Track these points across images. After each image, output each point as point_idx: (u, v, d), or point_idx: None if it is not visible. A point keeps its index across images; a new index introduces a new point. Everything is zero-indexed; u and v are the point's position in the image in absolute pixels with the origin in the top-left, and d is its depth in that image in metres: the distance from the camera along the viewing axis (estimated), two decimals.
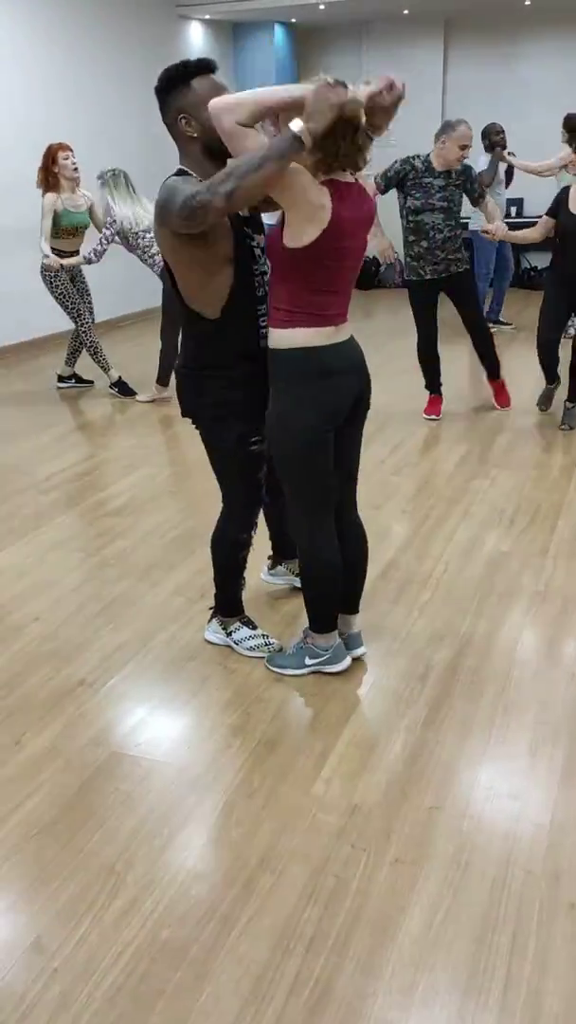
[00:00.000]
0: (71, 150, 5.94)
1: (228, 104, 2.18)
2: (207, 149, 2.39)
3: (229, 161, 2.27)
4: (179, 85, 2.38)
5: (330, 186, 2.28)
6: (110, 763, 2.50)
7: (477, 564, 3.62)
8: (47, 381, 6.82)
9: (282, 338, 2.43)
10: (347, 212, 2.32)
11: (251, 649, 2.98)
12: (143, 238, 5.85)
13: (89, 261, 5.91)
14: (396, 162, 5.05)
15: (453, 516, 4.09)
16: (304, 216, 2.28)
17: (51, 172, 5.90)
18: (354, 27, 10.57)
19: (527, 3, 9.19)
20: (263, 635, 3.00)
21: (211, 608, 3.09)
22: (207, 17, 9.73)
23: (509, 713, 2.65)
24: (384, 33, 10.54)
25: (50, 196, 5.92)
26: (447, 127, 4.92)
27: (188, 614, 3.29)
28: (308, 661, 2.85)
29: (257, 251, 2.53)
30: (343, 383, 2.52)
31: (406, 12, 9.83)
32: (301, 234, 2.30)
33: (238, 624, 3.02)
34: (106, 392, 6.39)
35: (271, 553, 3.43)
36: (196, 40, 9.79)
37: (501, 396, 5.70)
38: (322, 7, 9.20)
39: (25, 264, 7.64)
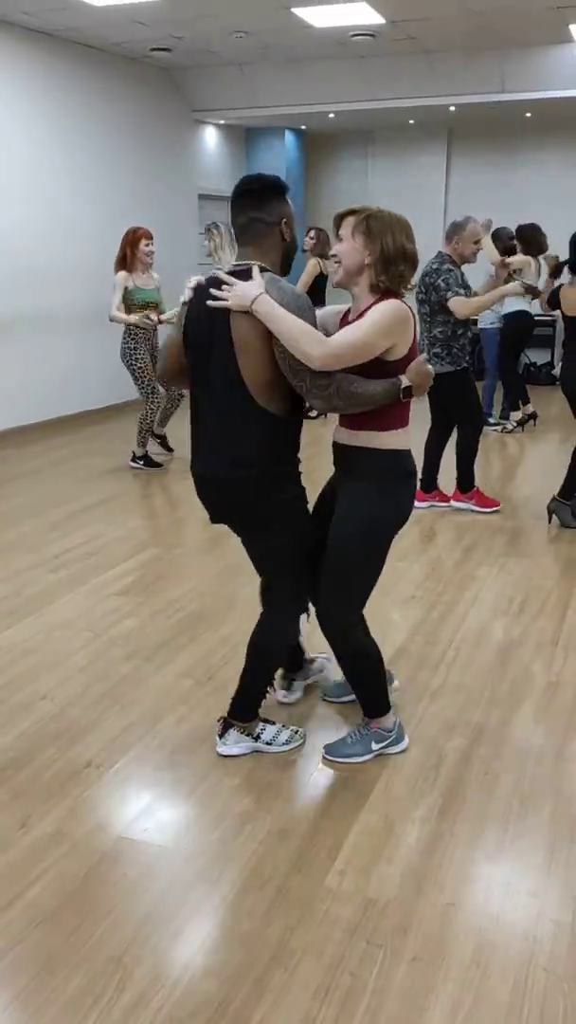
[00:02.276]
0: (151, 238, 6.24)
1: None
2: (286, 257, 2.58)
3: (365, 385, 2.46)
4: (284, 194, 2.56)
5: (401, 300, 2.54)
6: (116, 849, 2.43)
7: (488, 651, 3.60)
8: (55, 461, 6.89)
9: (381, 440, 2.59)
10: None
11: (286, 743, 2.87)
12: None
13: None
14: (445, 269, 4.94)
15: (462, 603, 4.09)
16: (405, 338, 2.51)
17: (130, 253, 6.21)
18: (361, 134, 11.06)
19: (527, 115, 9.65)
20: (283, 726, 2.92)
21: (220, 720, 2.88)
22: (221, 122, 10.20)
23: (525, 806, 2.60)
24: (390, 140, 11.04)
25: (122, 274, 6.22)
26: (456, 227, 5.06)
27: (196, 696, 3.25)
28: (375, 746, 2.82)
29: None
30: (415, 486, 2.74)
31: (411, 122, 10.32)
32: (397, 349, 2.50)
33: (262, 724, 2.88)
34: (113, 472, 6.45)
35: (283, 673, 3.22)
36: (211, 143, 10.24)
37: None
38: (332, 115, 9.65)
39: (33, 351, 7.83)
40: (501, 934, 2.12)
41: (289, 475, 2.63)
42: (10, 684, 3.35)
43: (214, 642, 3.69)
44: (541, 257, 7.23)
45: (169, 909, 2.20)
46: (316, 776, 2.76)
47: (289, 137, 10.76)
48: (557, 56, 7.98)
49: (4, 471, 6.63)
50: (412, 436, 2.72)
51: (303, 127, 10.75)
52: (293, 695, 3.22)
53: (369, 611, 3.79)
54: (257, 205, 2.52)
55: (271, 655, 2.84)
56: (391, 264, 2.50)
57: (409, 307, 2.53)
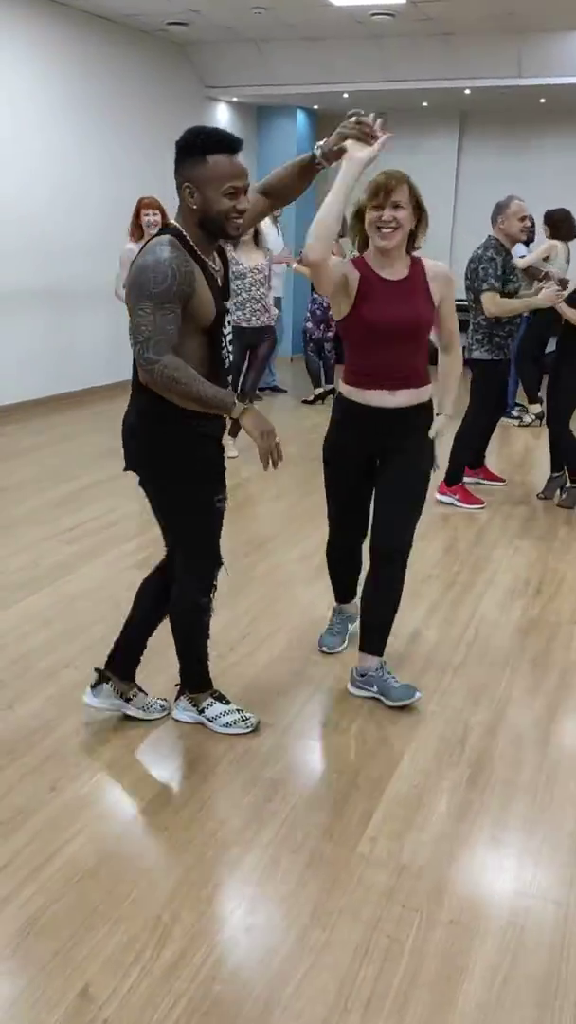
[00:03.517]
0: (154, 208, 6.06)
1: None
2: (202, 224, 2.39)
3: (188, 373, 2.32)
4: (195, 154, 2.32)
5: None
6: (149, 812, 2.45)
7: (507, 631, 3.62)
8: (62, 436, 6.87)
9: (430, 391, 2.97)
10: None
11: (227, 726, 2.81)
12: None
13: None
14: (487, 257, 4.84)
15: (479, 583, 4.11)
16: None
17: (133, 223, 6.10)
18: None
19: (542, 101, 9.62)
20: (238, 710, 2.85)
21: (177, 685, 2.92)
22: (234, 100, 10.13)
23: (552, 777, 2.63)
24: (402, 122, 10.94)
25: (128, 246, 6.05)
26: (500, 207, 4.95)
27: (220, 667, 3.25)
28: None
29: (225, 319, 2.50)
30: None
31: (425, 104, 10.27)
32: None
33: (210, 700, 2.85)
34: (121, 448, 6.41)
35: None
36: (222, 120, 10.16)
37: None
38: (345, 95, 9.59)
39: (33, 326, 7.79)
40: (535, 898, 2.15)
41: (191, 435, 2.48)
42: (34, 652, 3.36)
43: (233, 615, 3.70)
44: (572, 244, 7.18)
45: (205, 870, 2.22)
46: (345, 747, 2.78)
47: (301, 117, 10.69)
48: (575, 42, 7.94)
49: (11, 445, 6.61)
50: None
51: (316, 107, 10.69)
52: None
53: None
54: (175, 167, 2.38)
55: (181, 624, 2.76)
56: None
57: None
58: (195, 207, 2.37)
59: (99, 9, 7.67)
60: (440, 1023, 1.80)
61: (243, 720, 2.82)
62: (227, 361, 2.55)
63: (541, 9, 7.18)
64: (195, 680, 2.87)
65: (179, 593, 2.73)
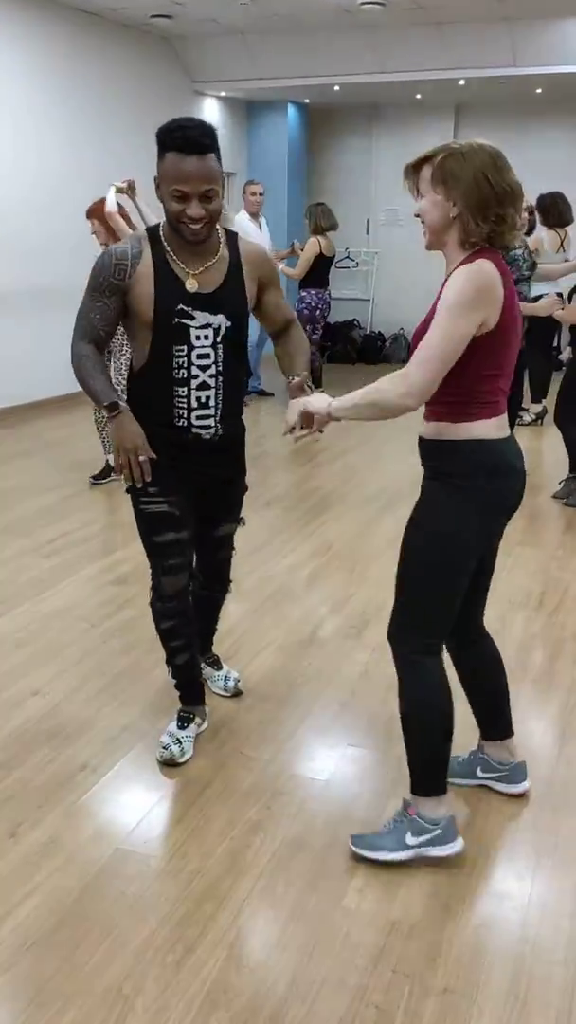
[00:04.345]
0: (91, 218, 5.68)
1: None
2: (168, 221, 2.32)
3: (86, 365, 2.43)
4: (159, 147, 2.25)
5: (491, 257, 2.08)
6: (115, 862, 2.23)
7: (508, 647, 3.39)
8: (49, 444, 6.66)
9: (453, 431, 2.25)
10: None
11: (161, 747, 2.63)
12: None
13: None
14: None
15: None
16: (493, 307, 2.02)
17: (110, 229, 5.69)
18: (366, 109, 10.77)
19: (538, 91, 9.39)
20: (177, 740, 2.62)
21: None
22: (223, 94, 9.92)
23: (558, 817, 2.41)
24: (395, 115, 10.75)
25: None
26: None
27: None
28: (410, 840, 2.19)
29: (197, 332, 2.35)
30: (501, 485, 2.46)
31: (418, 97, 10.04)
32: (486, 323, 2.02)
33: (175, 715, 2.72)
34: (108, 456, 6.18)
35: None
36: (211, 116, 9.94)
37: None
38: (336, 88, 9.38)
39: (28, 328, 7.58)
40: (539, 961, 1.93)
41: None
42: (2, 678, 3.14)
43: (219, 632, 3.48)
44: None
45: (174, 931, 2.01)
46: (332, 786, 2.57)
47: (292, 111, 10.46)
48: (571, 30, 7.72)
49: None
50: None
51: (306, 101, 10.47)
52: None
53: (380, 600, 3.52)
54: None
55: (157, 626, 2.66)
56: (485, 209, 1.98)
57: (497, 262, 2.00)
58: (160, 200, 2.30)
59: (83, 3, 7.46)
60: None
61: (163, 748, 2.62)
62: (183, 370, 2.37)
63: None
64: (180, 689, 2.74)
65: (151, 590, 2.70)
